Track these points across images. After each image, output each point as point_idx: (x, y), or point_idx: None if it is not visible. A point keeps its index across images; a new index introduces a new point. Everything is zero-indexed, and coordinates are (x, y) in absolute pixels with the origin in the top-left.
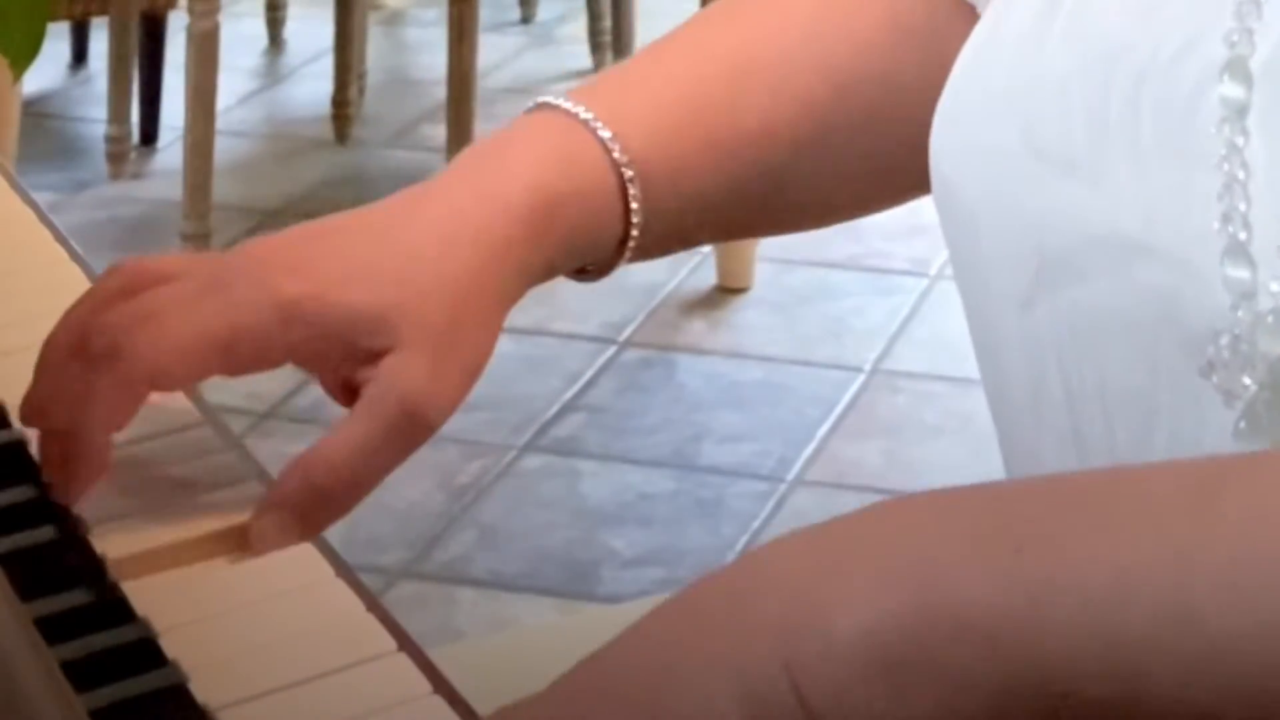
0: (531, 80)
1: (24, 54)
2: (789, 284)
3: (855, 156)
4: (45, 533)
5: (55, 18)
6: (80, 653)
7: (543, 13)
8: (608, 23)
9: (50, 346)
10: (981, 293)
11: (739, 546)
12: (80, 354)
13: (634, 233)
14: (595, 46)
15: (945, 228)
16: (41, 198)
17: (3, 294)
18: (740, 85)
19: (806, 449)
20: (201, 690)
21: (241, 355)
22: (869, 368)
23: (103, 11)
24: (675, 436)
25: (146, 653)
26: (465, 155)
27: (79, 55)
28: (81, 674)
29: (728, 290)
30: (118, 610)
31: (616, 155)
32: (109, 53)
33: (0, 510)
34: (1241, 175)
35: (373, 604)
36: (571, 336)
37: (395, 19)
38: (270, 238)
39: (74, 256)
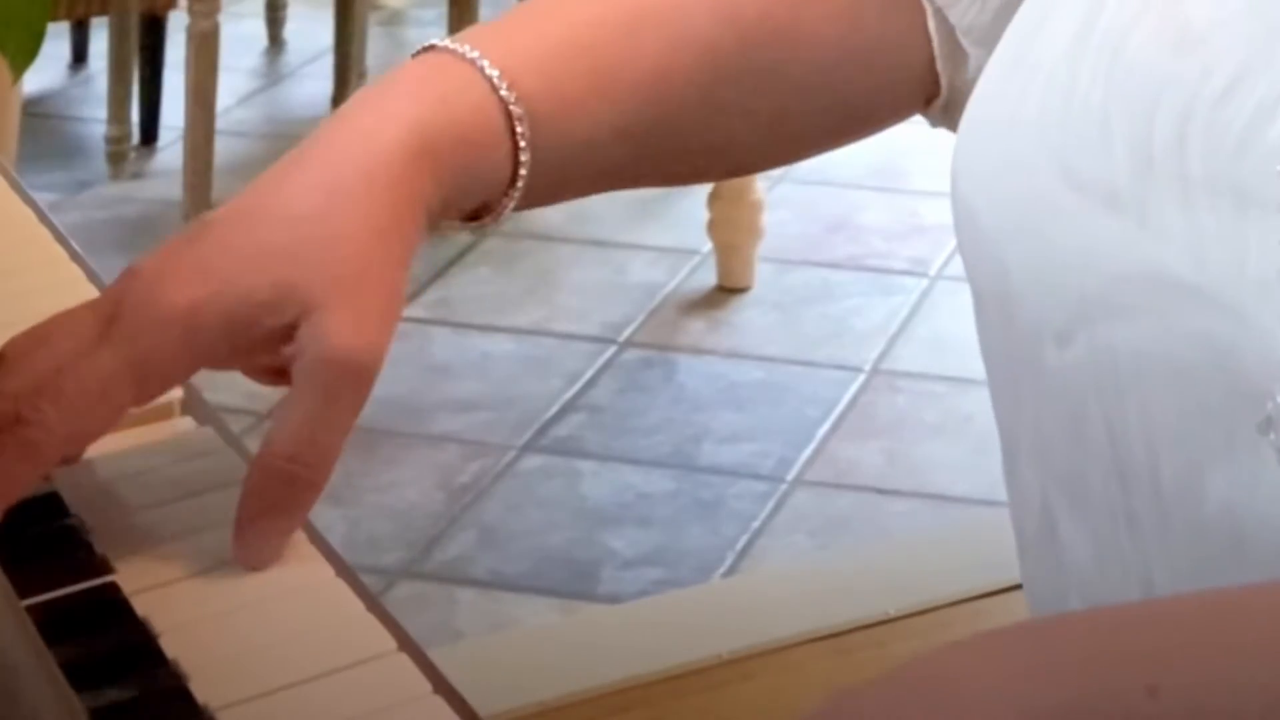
0: None
1: (24, 54)
2: (789, 284)
3: (753, 107)
4: (45, 531)
5: (55, 18)
6: (80, 653)
7: None
8: None
9: None
10: (1005, 324)
11: (739, 546)
12: None
13: (522, 171)
14: None
15: (967, 256)
16: (41, 198)
17: (3, 294)
18: (637, 29)
19: (806, 449)
20: (201, 690)
21: (152, 383)
22: (869, 368)
23: (103, 11)
24: (675, 436)
25: (146, 653)
26: (348, 102)
27: (79, 55)
28: (81, 674)
29: (728, 290)
30: (118, 610)
31: (503, 93)
32: (109, 53)
33: None
34: None
35: (373, 604)
36: (571, 336)
37: (395, 19)
38: (151, 254)
39: (74, 256)
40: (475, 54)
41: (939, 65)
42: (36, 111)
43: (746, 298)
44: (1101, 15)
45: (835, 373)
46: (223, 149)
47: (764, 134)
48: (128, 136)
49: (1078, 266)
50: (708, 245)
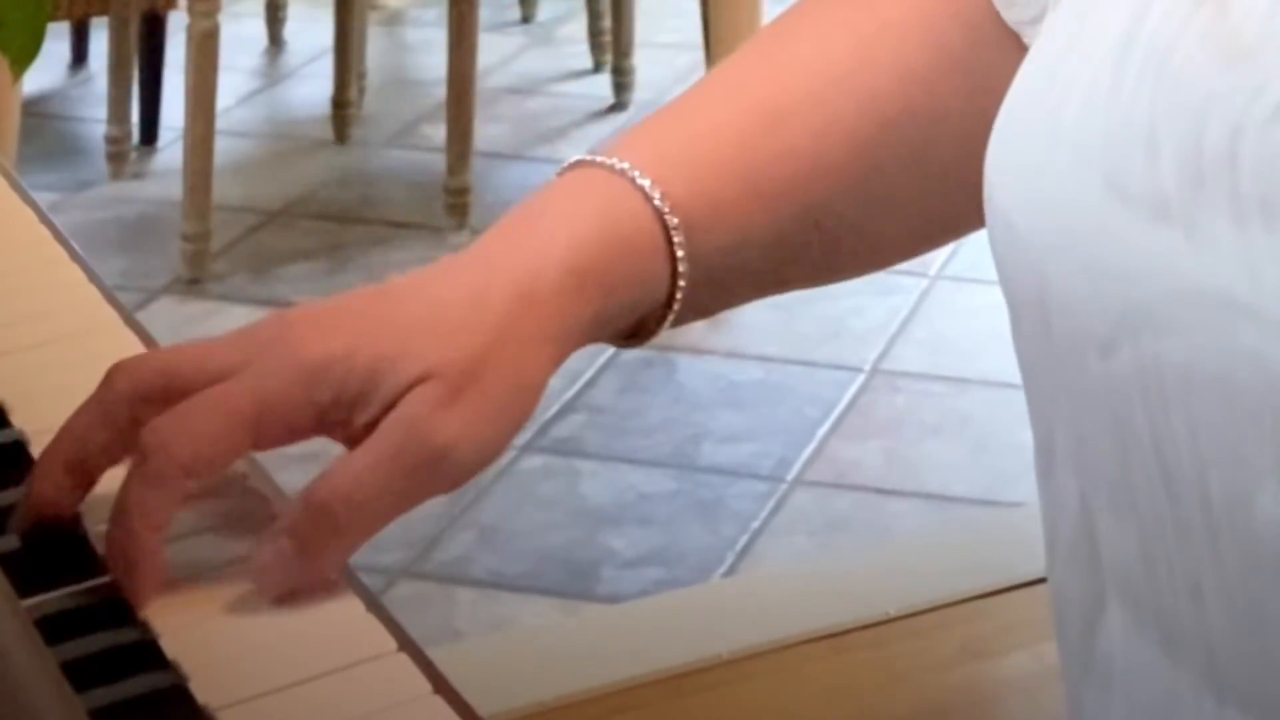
0: (531, 80)
1: (24, 54)
2: None
3: (902, 194)
4: (46, 532)
5: (55, 18)
6: (80, 653)
7: (543, 13)
8: (608, 23)
9: (79, 413)
10: (1043, 332)
11: (739, 546)
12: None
13: (680, 283)
14: (595, 46)
15: (1003, 264)
16: (41, 198)
17: (3, 294)
18: (781, 126)
19: (806, 449)
20: (201, 690)
21: (271, 427)
22: (869, 368)
23: (103, 11)
24: (675, 436)
25: (146, 653)
26: (501, 220)
27: (79, 55)
28: (81, 674)
29: None
30: (118, 610)
31: (657, 203)
32: (109, 53)
33: (0, 510)
34: None
35: (373, 604)
36: None
37: (395, 19)
38: (302, 305)
39: (74, 256)
40: (626, 165)
41: None
42: (36, 111)
43: None
44: (1146, 22)
45: (835, 373)
46: (223, 149)
47: (912, 224)
48: (128, 136)
49: (1122, 278)
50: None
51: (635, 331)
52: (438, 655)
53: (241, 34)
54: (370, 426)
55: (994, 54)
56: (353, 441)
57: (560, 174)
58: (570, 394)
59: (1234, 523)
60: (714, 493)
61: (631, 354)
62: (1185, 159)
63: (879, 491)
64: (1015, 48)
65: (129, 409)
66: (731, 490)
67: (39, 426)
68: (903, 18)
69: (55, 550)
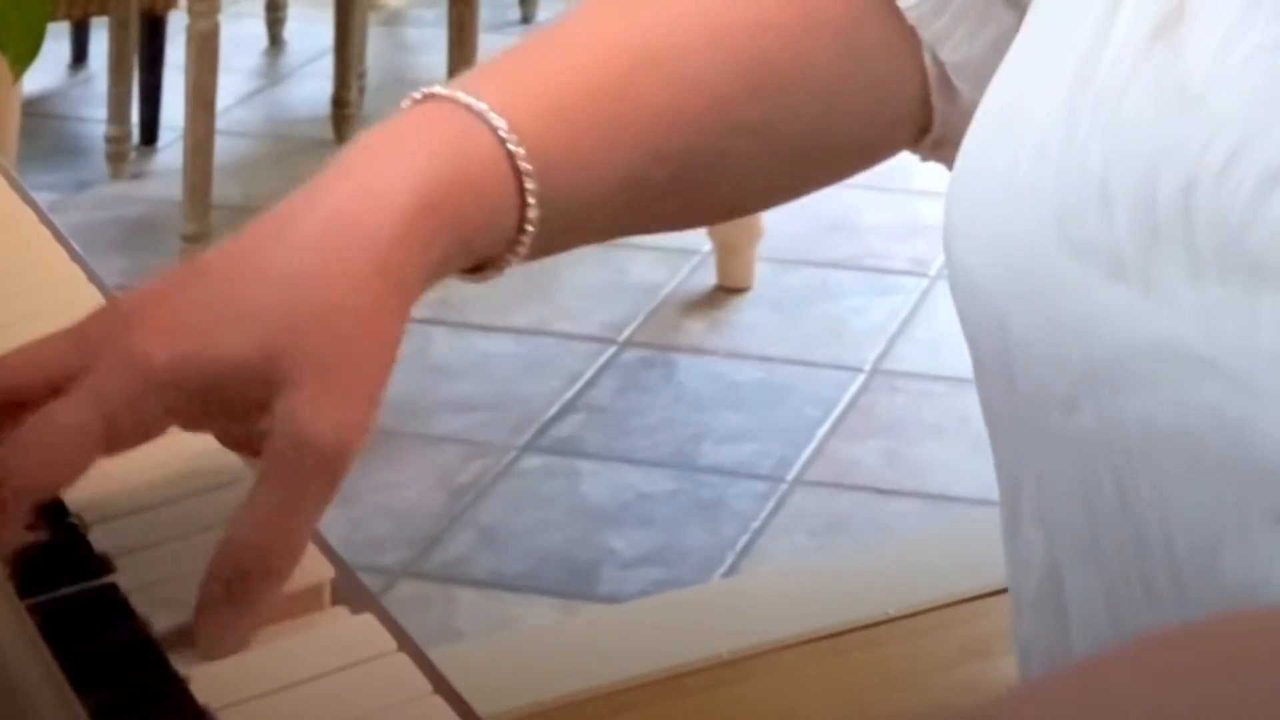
0: None
1: (24, 54)
2: (789, 284)
3: (761, 150)
4: (45, 532)
5: (55, 18)
6: (80, 653)
7: (543, 13)
8: None
9: None
10: (1006, 385)
11: (739, 546)
12: None
13: (529, 226)
14: None
15: (964, 317)
16: (41, 198)
17: (3, 294)
18: (639, 74)
19: (806, 449)
20: (201, 690)
21: (124, 437)
22: (869, 368)
23: (103, 11)
24: (675, 436)
25: (146, 653)
26: (348, 152)
27: (79, 55)
28: (81, 674)
29: (728, 290)
30: (118, 610)
31: (510, 145)
32: (109, 53)
33: None
34: None
35: (373, 604)
36: (571, 336)
37: (395, 19)
38: (137, 292)
39: (74, 256)
40: (479, 105)
41: (933, 99)
42: (36, 111)
43: (746, 298)
44: (1099, 66)
45: (835, 373)
46: (223, 149)
47: (768, 175)
48: (128, 136)
49: (1081, 334)
50: (707, 245)
51: (481, 268)
52: (438, 655)
53: (241, 34)
54: (242, 436)
55: (874, 27)
56: (221, 439)
57: (413, 104)
58: (570, 394)
59: (1200, 579)
60: (714, 493)
61: (631, 354)
62: (1139, 212)
63: (879, 491)
64: (889, 14)
65: None
66: (731, 490)
67: None
68: None
69: (55, 550)
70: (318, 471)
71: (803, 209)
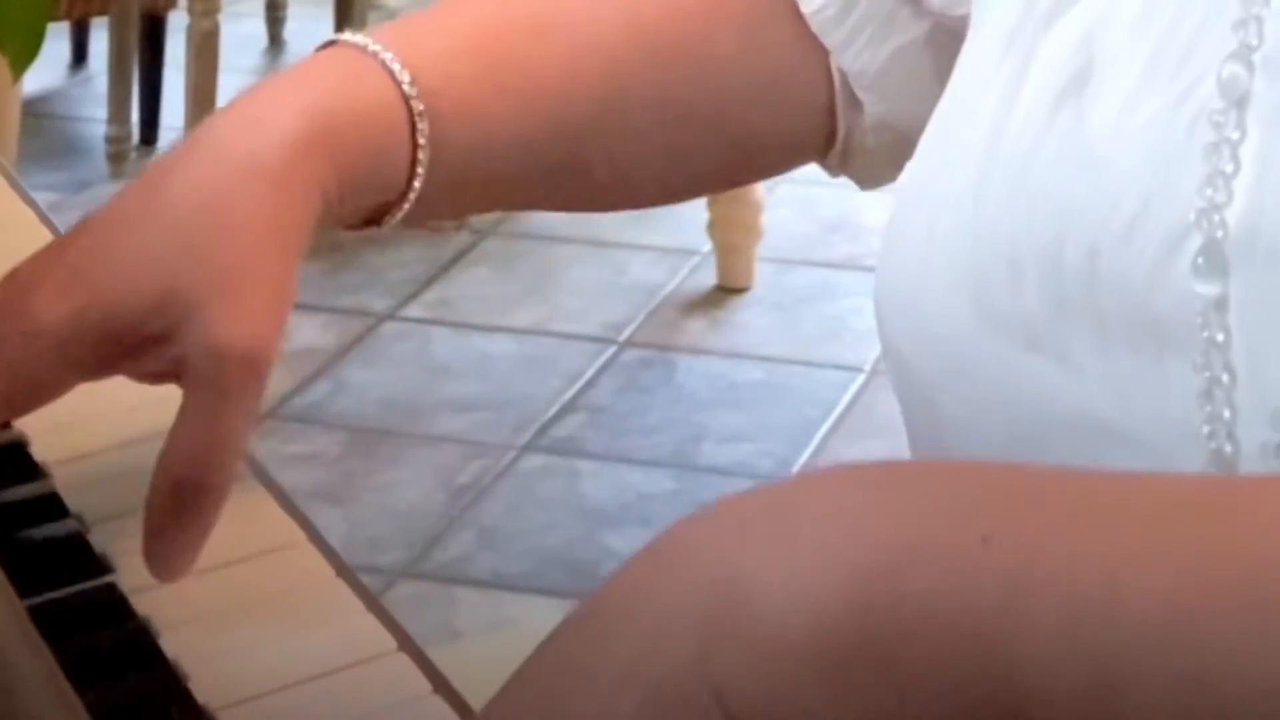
0: None
1: (24, 54)
2: (789, 284)
3: (657, 130)
4: (45, 531)
5: (55, 18)
6: (80, 653)
7: None
8: None
9: None
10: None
11: None
12: None
13: (419, 170)
14: None
15: (899, 394)
16: (41, 198)
17: None
18: (541, 39)
19: (806, 449)
20: (201, 690)
21: (23, 397)
22: (869, 368)
23: (103, 11)
24: (675, 436)
25: (146, 653)
26: (241, 92)
27: (79, 55)
28: (81, 674)
29: (728, 290)
30: (118, 610)
31: (405, 87)
32: (109, 53)
33: (0, 510)
34: (1225, 379)
35: (373, 604)
36: (571, 336)
37: (395, 19)
38: (32, 256)
39: None
40: (378, 48)
41: (838, 109)
42: (36, 111)
43: (746, 298)
44: (1006, 134)
45: (835, 373)
46: None
47: (662, 161)
48: (128, 136)
49: (1004, 409)
50: (707, 245)
51: (374, 218)
52: (438, 655)
53: (241, 34)
54: (159, 372)
55: (784, 26)
56: (140, 379)
57: (317, 50)
58: (570, 394)
59: None
60: (714, 493)
61: (631, 354)
62: (1047, 282)
63: None
64: (809, 33)
65: None
66: (731, 490)
67: (39, 426)
68: None
69: (55, 550)
70: (238, 378)
71: (803, 209)
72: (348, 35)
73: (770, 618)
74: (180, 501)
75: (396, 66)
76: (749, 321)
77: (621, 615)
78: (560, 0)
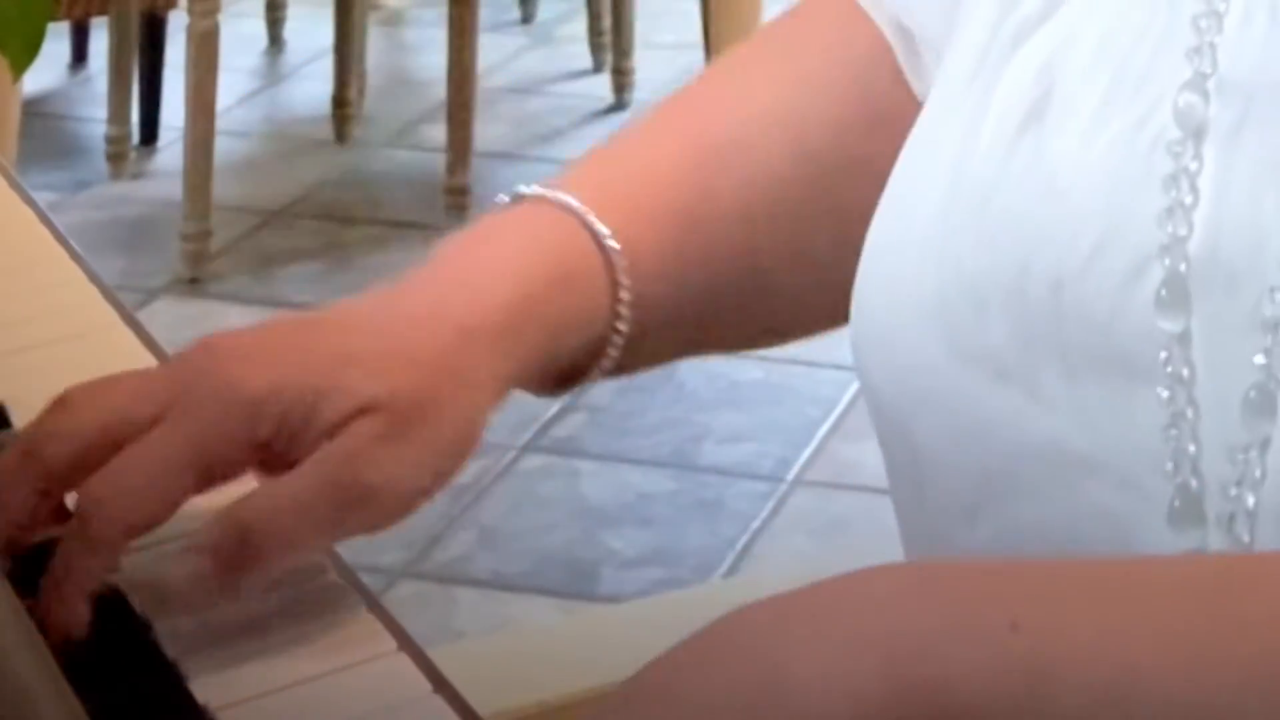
0: (531, 80)
1: (24, 54)
2: None
3: (831, 244)
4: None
5: (55, 18)
6: (80, 653)
7: (543, 13)
8: (608, 23)
9: (6, 484)
10: (918, 502)
11: (739, 546)
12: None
13: (621, 328)
14: (595, 46)
15: (877, 428)
16: (41, 198)
17: (3, 294)
18: (713, 167)
19: (806, 449)
20: (201, 690)
21: (211, 469)
22: None
23: (103, 11)
24: (675, 436)
25: (146, 653)
26: (444, 247)
27: (79, 55)
28: (81, 674)
29: None
30: (118, 610)
31: (610, 245)
32: (109, 53)
33: None
34: (1190, 413)
35: (373, 604)
36: None
37: (395, 19)
38: (226, 333)
39: (74, 256)
40: (576, 203)
41: None
42: (36, 111)
43: None
44: (970, 165)
45: (835, 373)
46: (223, 149)
47: (838, 283)
48: (128, 136)
49: (977, 441)
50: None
51: (569, 378)
52: (438, 655)
53: (241, 34)
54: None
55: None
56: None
57: (507, 206)
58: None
59: None
60: (714, 493)
61: None
62: (1013, 313)
63: (879, 491)
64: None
65: (61, 482)
66: (731, 490)
67: None
68: (827, 69)
69: (55, 551)
70: (346, 488)
71: None
72: (536, 188)
73: (809, 711)
74: (229, 544)
75: (595, 221)
76: None
77: (662, 704)
78: (721, 127)
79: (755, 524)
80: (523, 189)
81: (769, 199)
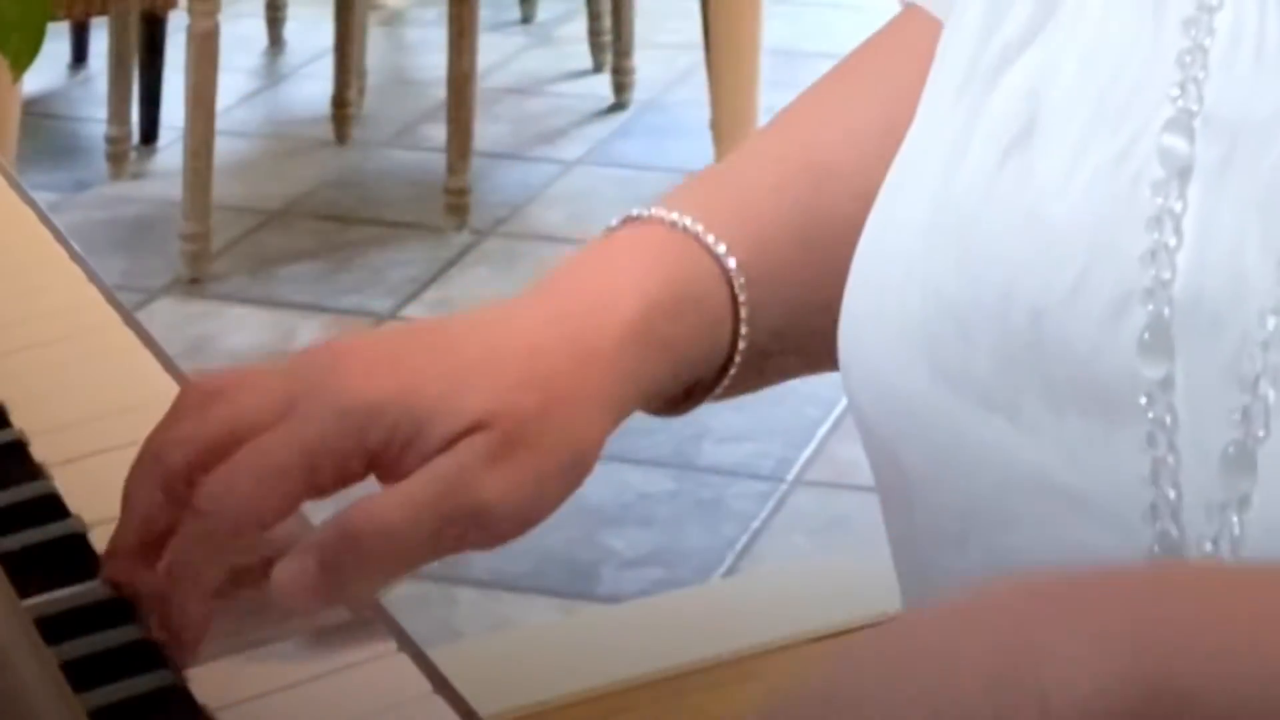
0: (531, 80)
1: (24, 54)
2: None
3: None
4: (45, 532)
5: (55, 18)
6: (80, 653)
7: (543, 13)
8: (608, 23)
9: (134, 486)
10: (908, 525)
11: (739, 546)
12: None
13: (741, 345)
14: (595, 46)
15: (867, 452)
16: (41, 198)
17: (3, 294)
18: (822, 185)
19: (806, 449)
20: (201, 690)
21: (323, 474)
22: None
23: (103, 11)
24: (675, 436)
25: (146, 653)
26: (562, 267)
27: (79, 55)
28: (81, 674)
29: None
30: (118, 610)
31: (727, 263)
32: (109, 53)
33: (0, 510)
34: (1171, 460)
35: (373, 604)
36: None
37: (395, 19)
38: (349, 337)
39: (74, 256)
40: (691, 222)
41: None
42: (36, 111)
43: None
44: (954, 188)
45: (835, 373)
46: (223, 149)
47: None
48: (128, 136)
49: (964, 469)
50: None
51: (680, 400)
52: (438, 655)
53: (241, 34)
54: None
55: None
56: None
57: (618, 226)
58: None
59: None
60: (714, 493)
61: None
62: (995, 341)
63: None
64: None
65: (185, 482)
66: (731, 490)
67: (39, 426)
68: (921, 86)
69: (55, 550)
70: (459, 502)
71: None
72: (654, 212)
73: (1056, 686)
74: (336, 546)
75: (712, 240)
76: None
77: (914, 654)
78: (830, 148)
79: (755, 524)
80: (636, 211)
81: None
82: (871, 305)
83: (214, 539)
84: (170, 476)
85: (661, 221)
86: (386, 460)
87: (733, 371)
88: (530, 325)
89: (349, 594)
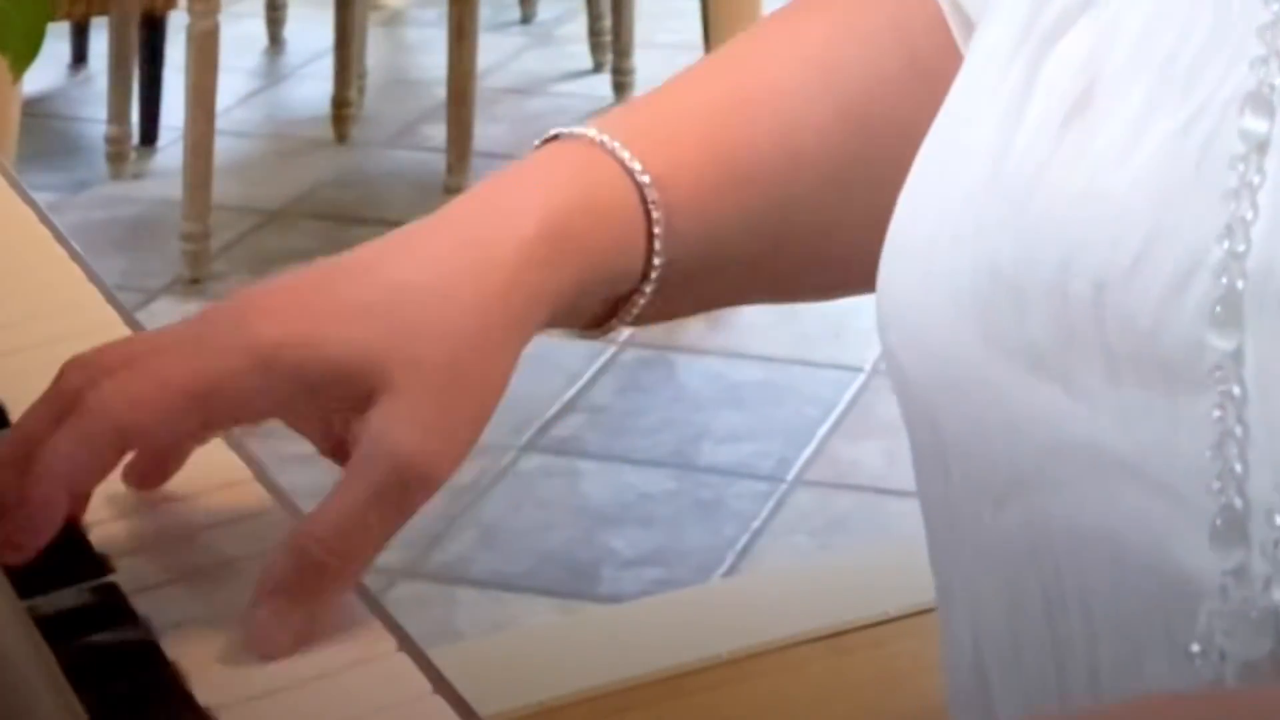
0: (531, 80)
1: (24, 54)
2: None
3: (872, 199)
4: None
5: (55, 18)
6: (80, 653)
7: (543, 13)
8: (608, 23)
9: (33, 406)
10: (943, 478)
11: (739, 546)
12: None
13: (656, 261)
14: (595, 46)
15: (902, 407)
16: (41, 198)
17: (3, 294)
18: (755, 114)
19: (806, 449)
20: (201, 690)
21: (218, 406)
22: (869, 368)
23: (103, 11)
24: (675, 436)
25: (146, 653)
26: (474, 187)
27: (79, 55)
28: (81, 674)
29: None
30: (118, 610)
31: (638, 175)
32: (109, 53)
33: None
34: (1239, 432)
35: (373, 604)
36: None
37: (395, 19)
38: (255, 286)
39: (74, 256)
40: (604, 137)
41: None
42: (36, 111)
43: None
44: (1010, 154)
45: (835, 373)
46: (223, 149)
47: (873, 240)
48: (128, 136)
49: (1009, 433)
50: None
51: (601, 319)
52: (438, 655)
53: (241, 34)
54: (339, 438)
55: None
56: (317, 441)
57: (541, 144)
58: (570, 394)
59: (1121, 689)
60: (714, 493)
61: (631, 354)
62: (1053, 311)
63: (879, 491)
64: None
65: (78, 399)
66: (731, 490)
67: None
68: (875, 25)
69: (55, 550)
70: (401, 489)
71: None
72: (575, 129)
73: None
74: (301, 577)
75: (627, 155)
76: (749, 321)
77: None
78: (765, 76)
79: (755, 524)
80: (556, 130)
81: (808, 147)
82: (917, 266)
83: (92, 440)
84: (66, 393)
85: (580, 138)
86: (294, 405)
87: (649, 288)
88: (437, 254)
89: (325, 606)
